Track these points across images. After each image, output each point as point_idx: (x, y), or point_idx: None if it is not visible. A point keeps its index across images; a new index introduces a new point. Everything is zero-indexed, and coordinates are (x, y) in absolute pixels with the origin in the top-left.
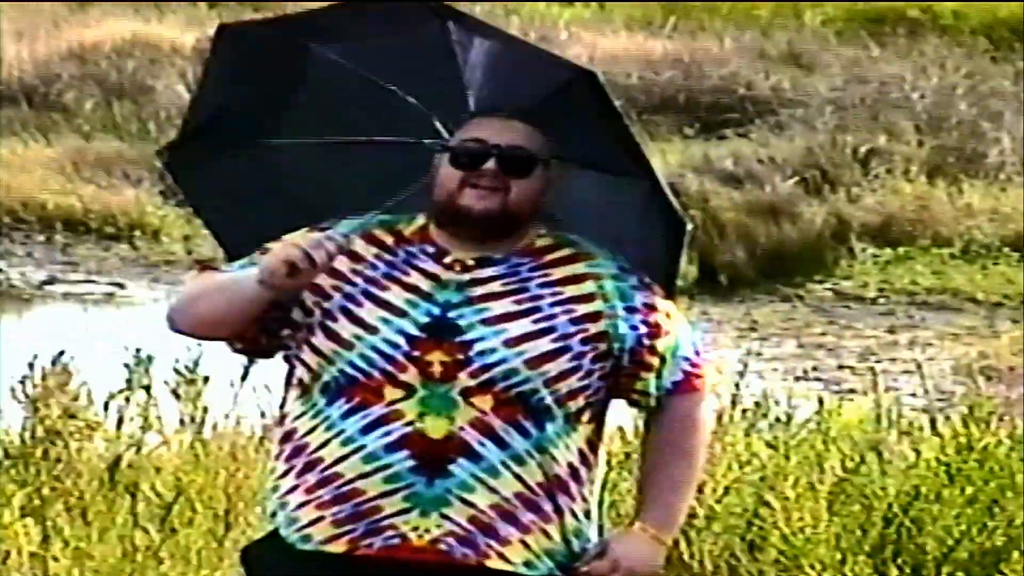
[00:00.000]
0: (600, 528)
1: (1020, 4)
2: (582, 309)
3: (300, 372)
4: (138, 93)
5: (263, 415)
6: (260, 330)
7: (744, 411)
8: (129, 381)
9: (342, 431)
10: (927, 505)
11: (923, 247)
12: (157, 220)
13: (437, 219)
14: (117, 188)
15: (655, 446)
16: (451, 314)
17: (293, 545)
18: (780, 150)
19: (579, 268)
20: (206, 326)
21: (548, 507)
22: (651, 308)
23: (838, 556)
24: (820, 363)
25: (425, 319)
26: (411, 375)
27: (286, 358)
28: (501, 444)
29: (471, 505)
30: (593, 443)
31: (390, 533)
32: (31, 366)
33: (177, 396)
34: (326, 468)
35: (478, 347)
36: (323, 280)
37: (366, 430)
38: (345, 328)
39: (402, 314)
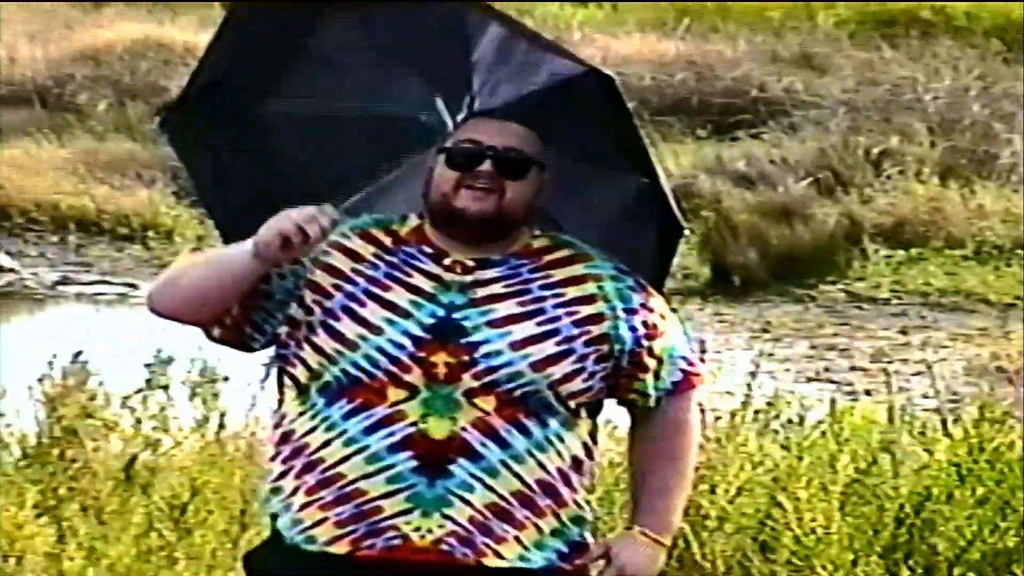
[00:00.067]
0: (594, 520)
1: None
2: (584, 311)
3: (298, 371)
4: (151, 94)
5: None
6: (244, 319)
7: (756, 412)
8: (149, 381)
9: (344, 431)
10: (939, 506)
11: (935, 248)
12: (170, 221)
13: (432, 220)
14: (130, 189)
15: (649, 449)
16: (456, 316)
17: (297, 547)
18: (793, 151)
19: (578, 269)
20: (188, 303)
21: (544, 502)
22: (648, 309)
23: (850, 557)
24: (832, 364)
25: (430, 320)
26: (415, 376)
27: (281, 357)
28: (502, 444)
29: (471, 505)
30: (593, 434)
31: (392, 534)
32: (50, 364)
33: (194, 396)
34: (327, 469)
35: (484, 349)
36: (322, 278)
37: (369, 431)
38: (349, 328)
39: (406, 315)
